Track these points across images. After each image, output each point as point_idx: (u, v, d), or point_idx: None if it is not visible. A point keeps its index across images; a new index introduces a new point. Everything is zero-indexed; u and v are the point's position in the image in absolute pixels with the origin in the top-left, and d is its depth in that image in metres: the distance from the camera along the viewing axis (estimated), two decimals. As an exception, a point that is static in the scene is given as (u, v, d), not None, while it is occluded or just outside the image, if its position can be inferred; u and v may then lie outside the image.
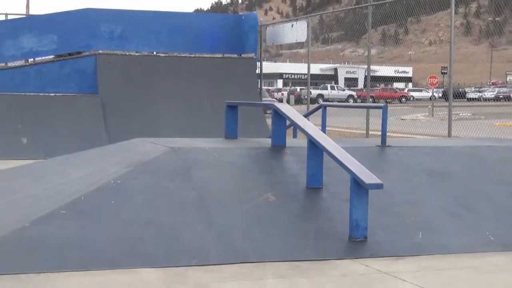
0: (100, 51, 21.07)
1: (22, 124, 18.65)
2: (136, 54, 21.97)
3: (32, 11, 47.87)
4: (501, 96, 70.16)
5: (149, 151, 9.45)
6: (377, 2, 22.74)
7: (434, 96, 48.05)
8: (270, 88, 78.44)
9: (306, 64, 24.06)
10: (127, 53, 21.76)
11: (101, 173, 8.90)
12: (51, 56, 21.55)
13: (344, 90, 79.40)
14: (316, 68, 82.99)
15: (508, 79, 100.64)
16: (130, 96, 20.17)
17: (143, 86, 20.42)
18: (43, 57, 21.37)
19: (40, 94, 19.80)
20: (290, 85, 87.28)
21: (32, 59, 21.25)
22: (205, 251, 7.34)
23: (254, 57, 22.62)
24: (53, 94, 19.85)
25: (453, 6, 17.01)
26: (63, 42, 20.90)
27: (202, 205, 8.11)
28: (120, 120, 19.46)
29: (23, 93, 19.65)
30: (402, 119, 29.84)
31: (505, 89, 78.74)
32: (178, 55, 22.07)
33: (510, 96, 70.15)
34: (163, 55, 22.16)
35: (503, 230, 8.44)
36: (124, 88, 20.31)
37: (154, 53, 22.46)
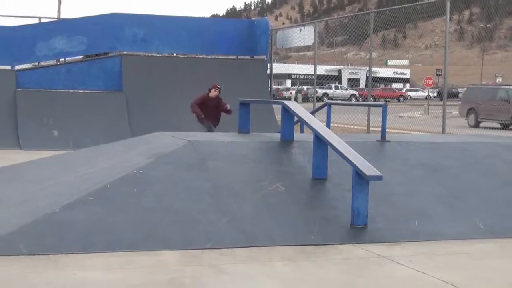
0: (125, 52, 21.08)
1: (54, 118, 18.70)
2: (157, 55, 21.98)
3: (63, 15, 47.81)
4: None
5: (169, 143, 9.45)
6: (378, 10, 22.72)
7: (429, 95, 47.90)
8: (279, 87, 78.28)
9: (313, 66, 23.99)
10: (149, 54, 21.79)
11: (125, 164, 8.91)
12: (80, 56, 21.58)
13: (347, 89, 79.25)
14: (322, 69, 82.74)
15: (497, 80, 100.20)
16: (152, 93, 20.20)
17: (164, 84, 20.45)
18: (73, 57, 21.39)
19: (70, 91, 19.86)
20: (298, 84, 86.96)
21: (62, 59, 21.28)
22: (219, 235, 7.34)
23: (265, 58, 22.60)
24: (81, 91, 19.90)
25: (448, 13, 16.95)
26: (91, 43, 20.94)
27: (216, 194, 8.11)
28: (143, 115, 19.48)
29: (54, 90, 19.72)
30: (400, 117, 29.75)
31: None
32: (196, 56, 22.09)
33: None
34: (182, 56, 22.17)
35: (491, 219, 8.41)
36: (146, 86, 20.34)
37: (174, 54, 22.46)
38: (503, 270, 6.67)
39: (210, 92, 15.35)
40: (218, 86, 15.44)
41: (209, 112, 15.12)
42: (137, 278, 6.03)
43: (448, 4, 16.78)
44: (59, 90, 19.75)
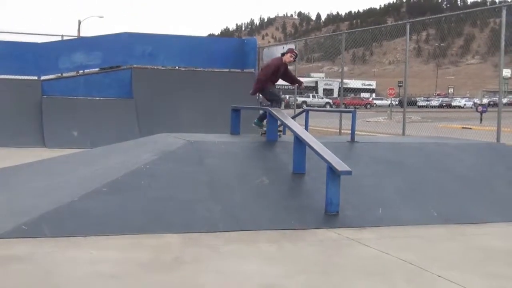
0: (135, 66, 21.03)
1: (74, 121, 18.64)
2: (162, 68, 21.94)
3: (82, 34, 47.68)
4: (444, 104, 70.15)
5: (172, 143, 9.45)
6: (349, 31, 22.75)
7: (392, 103, 47.96)
8: (265, 96, 78.24)
9: (294, 78, 23.98)
10: (155, 67, 21.74)
11: (135, 160, 8.90)
12: (97, 69, 21.51)
13: (322, 98, 79.29)
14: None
15: (449, 91, 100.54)
16: (158, 100, 20.17)
17: (168, 93, 20.43)
18: (90, 69, 21.34)
19: (88, 98, 19.80)
20: (281, 93, 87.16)
21: (81, 71, 21.22)
22: (214, 221, 7.35)
23: (254, 71, 22.60)
24: (97, 98, 19.84)
25: (407, 34, 17.00)
26: (106, 58, 20.91)
27: (211, 185, 8.12)
28: (150, 118, 19.46)
29: (74, 97, 19.66)
30: (367, 121, 29.83)
31: (447, 98, 78.77)
32: (195, 69, 22.05)
33: (450, 104, 70.18)
34: (184, 69, 22.13)
35: (444, 208, 8.45)
36: (153, 94, 20.32)
37: (176, 67, 22.43)
38: (451, 250, 6.71)
39: (284, 56, 11.05)
40: (295, 51, 11.25)
41: (274, 80, 11.22)
42: (146, 256, 6.04)
43: (408, 26, 16.83)
44: (78, 97, 19.70)
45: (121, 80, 20.50)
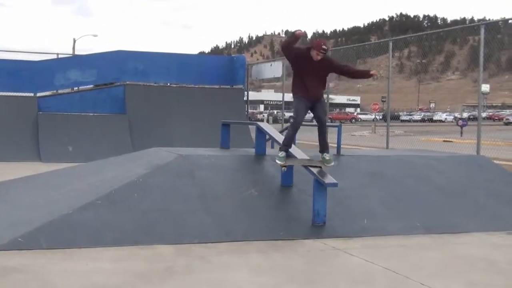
0: (128, 82, 21.03)
1: (69, 136, 18.59)
2: (155, 84, 21.94)
3: (77, 52, 47.66)
4: (426, 118, 70.57)
5: (164, 157, 9.44)
6: (334, 48, 22.88)
7: (376, 118, 48.17)
8: (254, 111, 78.35)
9: (281, 93, 24.07)
10: (147, 84, 21.73)
11: (128, 173, 8.89)
12: (91, 86, 21.49)
13: (309, 113, 79.53)
14: (289, 97, 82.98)
15: (431, 106, 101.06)
16: (150, 116, 20.17)
17: (159, 109, 20.43)
18: (85, 86, 21.32)
19: (82, 113, 19.76)
20: (269, 109, 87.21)
21: (76, 88, 21.21)
22: (205, 232, 7.35)
23: (243, 87, 22.65)
24: (92, 114, 19.81)
25: (390, 51, 17.12)
26: (100, 75, 20.89)
27: (202, 198, 8.11)
28: (142, 133, 19.43)
29: (69, 113, 19.63)
30: (352, 135, 29.92)
31: (429, 113, 79.13)
32: (186, 86, 22.07)
33: (432, 118, 70.56)
34: (175, 85, 22.13)
35: (425, 218, 8.49)
36: (145, 110, 20.30)
37: (168, 84, 22.43)
38: (434, 259, 6.74)
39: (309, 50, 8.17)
40: (324, 47, 8.13)
41: (309, 80, 8.30)
42: (140, 266, 6.03)
43: (390, 44, 16.96)
44: (73, 113, 19.66)
45: (115, 96, 20.48)
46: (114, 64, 20.91)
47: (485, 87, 15.51)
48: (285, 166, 8.36)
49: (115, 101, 20.34)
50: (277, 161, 8.29)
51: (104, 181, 8.91)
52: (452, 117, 71.24)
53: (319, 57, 8.11)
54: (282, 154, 8.35)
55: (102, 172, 9.74)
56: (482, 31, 12.90)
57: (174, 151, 9.85)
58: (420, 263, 6.49)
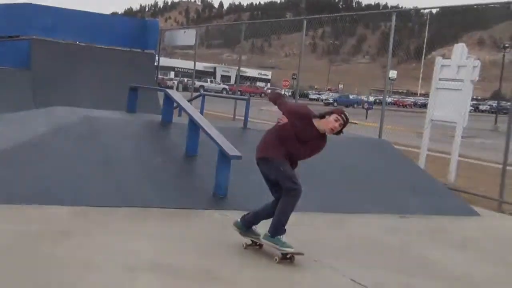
0: (34, 37, 20.31)
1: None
2: (62, 41, 21.29)
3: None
4: (330, 101, 71.85)
5: (67, 117, 9.24)
6: (249, 21, 22.94)
7: (285, 94, 48.73)
8: (164, 77, 77.46)
9: (193, 62, 23.93)
10: (55, 40, 21.04)
11: (27, 131, 8.65)
12: (-7, 37, 20.63)
13: (220, 84, 79.57)
14: (201, 66, 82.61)
15: (340, 87, 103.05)
16: (56, 74, 19.54)
17: (67, 67, 19.82)
18: (-13, 37, 20.43)
19: (-20, 65, 18.95)
20: (180, 76, 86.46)
21: (-25, 37, 20.31)
22: (104, 196, 7.27)
23: (154, 53, 22.39)
24: (-9, 67, 19.04)
25: (304, 29, 17.29)
26: (5, 27, 20.08)
27: (105, 162, 8.01)
28: (46, 91, 18.81)
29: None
30: (260, 110, 30.09)
31: (336, 94, 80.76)
32: (95, 45, 21.54)
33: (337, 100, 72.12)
34: (84, 44, 21.57)
35: (325, 197, 8.69)
36: (51, 67, 19.65)
37: (77, 42, 21.83)
38: (329, 235, 6.94)
39: (324, 118, 6.02)
40: (345, 117, 5.99)
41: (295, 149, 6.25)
42: (34, 227, 5.92)
43: (304, 22, 17.11)
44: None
45: (19, 50, 19.74)
46: (20, 17, 20.10)
47: (393, 73, 15.99)
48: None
49: (19, 55, 19.60)
50: (280, 247, 5.95)
51: (1, 138, 8.62)
52: (359, 98, 73.02)
53: (338, 128, 6.02)
54: (283, 238, 6.08)
55: (0, 129, 9.42)
56: (394, 18, 13.21)
57: (79, 111, 9.65)
58: (315, 239, 6.67)
